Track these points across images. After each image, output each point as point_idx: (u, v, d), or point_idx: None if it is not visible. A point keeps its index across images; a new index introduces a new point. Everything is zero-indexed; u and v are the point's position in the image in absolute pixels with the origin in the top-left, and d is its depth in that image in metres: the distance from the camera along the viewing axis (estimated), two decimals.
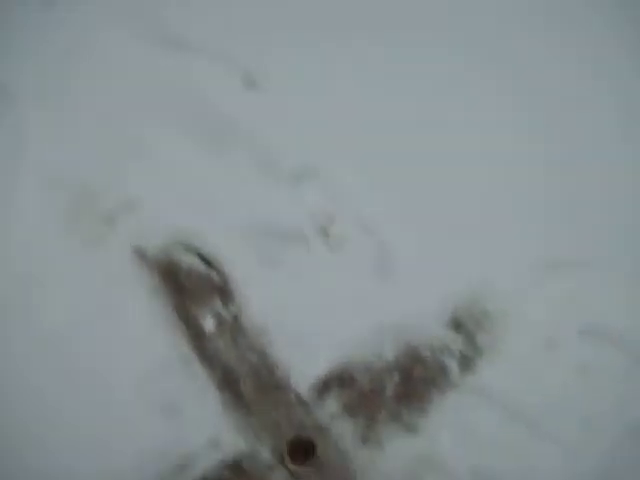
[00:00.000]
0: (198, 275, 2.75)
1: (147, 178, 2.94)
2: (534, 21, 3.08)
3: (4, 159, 2.91)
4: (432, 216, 2.92)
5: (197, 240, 2.82)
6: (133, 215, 2.86)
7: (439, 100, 3.10)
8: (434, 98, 3.10)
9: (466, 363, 2.68)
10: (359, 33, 3.20)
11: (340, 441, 2.52)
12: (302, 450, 2.41)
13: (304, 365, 2.61)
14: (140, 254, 2.77)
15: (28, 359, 2.51)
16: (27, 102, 3.04)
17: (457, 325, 2.74)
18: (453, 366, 2.68)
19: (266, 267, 2.78)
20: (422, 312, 2.75)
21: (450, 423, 2.58)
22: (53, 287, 2.68)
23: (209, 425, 2.48)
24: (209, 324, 2.68)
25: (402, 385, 2.62)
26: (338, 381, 2.60)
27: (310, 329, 2.67)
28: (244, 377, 2.57)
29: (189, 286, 2.73)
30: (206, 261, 2.77)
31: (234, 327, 2.66)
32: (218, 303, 2.71)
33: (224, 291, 2.72)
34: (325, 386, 2.59)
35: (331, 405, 2.55)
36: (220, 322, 2.67)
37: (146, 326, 2.65)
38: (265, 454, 2.46)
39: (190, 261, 2.78)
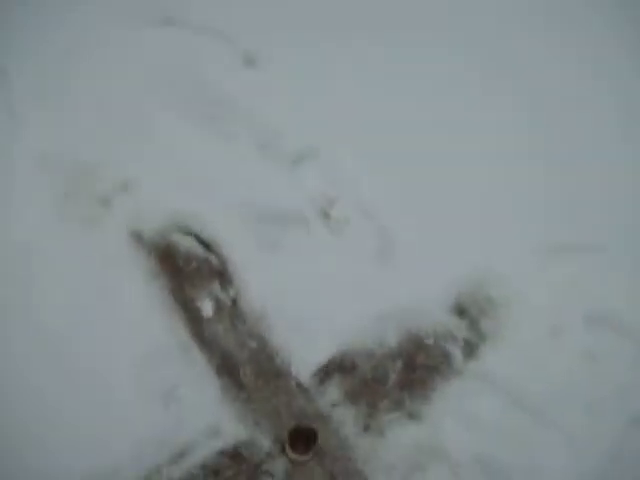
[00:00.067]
0: (196, 258, 2.69)
1: (144, 159, 2.88)
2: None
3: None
4: (434, 201, 2.89)
5: (195, 223, 2.77)
6: (130, 197, 2.81)
7: (444, 84, 3.07)
8: (439, 82, 3.05)
9: (469, 349, 2.64)
10: (361, 17, 3.19)
11: (341, 429, 2.47)
12: (303, 438, 2.37)
13: (305, 351, 2.56)
14: (137, 237, 2.72)
15: (22, 346, 2.44)
16: (22, 83, 2.97)
17: (460, 311, 2.70)
18: (456, 353, 2.64)
19: (265, 250, 2.73)
20: (424, 298, 2.71)
21: (453, 410, 2.54)
22: (47, 271, 2.62)
23: (208, 412, 2.43)
24: (207, 308, 2.62)
25: (404, 372, 2.58)
26: (339, 368, 2.55)
27: (310, 314, 2.62)
28: (243, 363, 2.52)
29: (187, 269, 2.67)
30: (204, 244, 2.73)
31: (233, 312, 2.61)
32: (216, 287, 2.65)
33: (223, 275, 2.67)
34: (326, 373, 2.54)
35: (332, 393, 2.51)
36: (219, 306, 2.62)
37: (143, 311, 2.59)
38: (265, 442, 2.41)
39: (188, 244, 2.73)
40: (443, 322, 2.67)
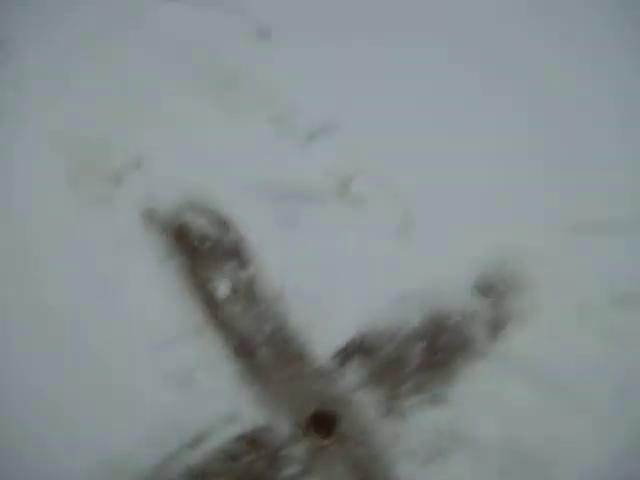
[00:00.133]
0: (211, 237, 2.57)
1: (156, 134, 2.74)
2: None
3: (4, 115, 2.72)
4: (457, 175, 2.73)
5: (209, 200, 2.63)
6: (141, 174, 2.67)
7: (468, 55, 2.89)
8: (465, 50, 2.88)
9: (494, 330, 2.51)
10: None
11: (363, 413, 2.36)
12: (324, 423, 2.28)
13: (324, 333, 2.44)
14: (149, 216, 2.59)
15: (30, 329, 2.33)
16: (28, 56, 2.83)
17: (485, 290, 2.56)
18: (481, 333, 2.51)
19: (283, 228, 2.60)
20: (447, 276, 2.57)
21: (478, 393, 2.42)
22: (56, 251, 2.50)
23: (225, 397, 2.32)
24: (223, 289, 2.50)
25: (427, 354, 2.46)
26: (360, 350, 2.43)
27: (330, 294, 2.50)
28: (261, 346, 2.41)
29: (201, 249, 2.55)
30: (219, 222, 2.59)
31: (249, 292, 2.48)
32: (232, 267, 2.53)
33: (238, 254, 2.54)
34: (346, 355, 2.42)
35: (353, 375, 2.40)
36: (235, 287, 2.49)
37: (156, 292, 2.48)
38: (284, 427, 2.31)
39: (202, 223, 2.59)
40: (467, 302, 2.53)
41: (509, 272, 2.61)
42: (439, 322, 2.50)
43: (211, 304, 2.46)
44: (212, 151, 2.74)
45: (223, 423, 2.29)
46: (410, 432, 2.35)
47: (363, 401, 2.38)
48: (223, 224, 2.59)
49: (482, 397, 2.42)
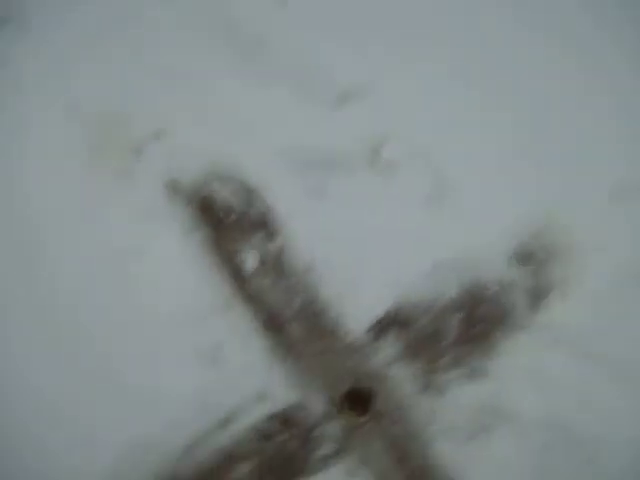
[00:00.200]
0: (237, 209, 2.44)
1: (178, 103, 2.59)
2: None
3: (20, 86, 2.58)
4: (493, 136, 2.56)
5: (235, 170, 2.49)
6: (164, 145, 2.53)
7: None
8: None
9: (535, 300, 2.36)
10: None
11: (399, 389, 2.24)
12: (358, 400, 2.17)
13: (357, 306, 2.31)
14: (172, 187, 2.46)
15: (51, 305, 2.22)
16: (45, 24, 2.68)
17: (524, 258, 2.41)
18: (521, 304, 2.36)
19: (312, 198, 2.45)
20: (485, 244, 2.42)
21: (519, 367, 2.28)
22: (77, 226, 2.38)
23: (255, 374, 2.21)
24: (251, 262, 2.37)
25: (465, 326, 2.32)
26: (395, 323, 2.30)
27: (362, 266, 2.36)
28: (291, 320, 2.28)
29: (227, 221, 2.42)
30: (245, 193, 2.45)
31: (278, 265, 2.36)
32: (260, 239, 2.40)
33: (266, 225, 2.41)
34: (381, 329, 2.29)
35: (388, 350, 2.27)
36: (263, 259, 2.36)
37: (181, 266, 2.35)
38: (318, 405, 2.19)
39: (228, 193, 2.46)
40: (505, 270, 2.39)
41: (548, 240, 2.45)
42: (476, 293, 2.35)
43: (239, 277, 2.33)
44: (236, 118, 2.59)
45: (254, 401, 2.18)
46: (449, 408, 2.23)
47: (399, 376, 2.25)
48: (249, 194, 2.46)
49: (523, 371, 2.29)
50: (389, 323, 2.30)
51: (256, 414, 2.17)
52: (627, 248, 2.45)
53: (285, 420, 2.13)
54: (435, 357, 2.28)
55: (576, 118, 2.59)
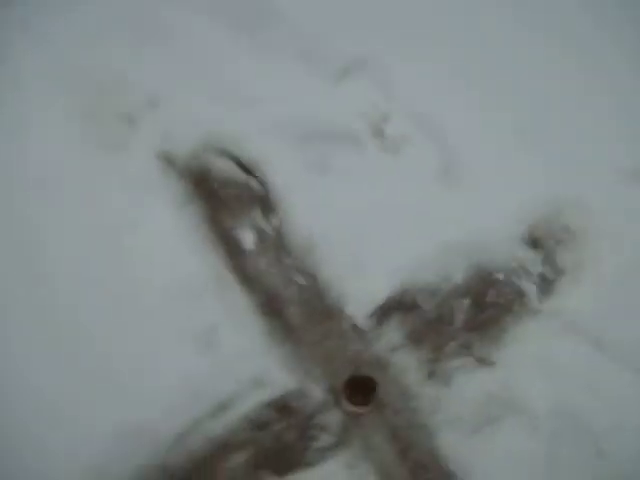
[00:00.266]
0: (234, 183, 2.27)
1: (174, 71, 2.42)
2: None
3: (11, 53, 2.41)
4: (505, 114, 2.41)
5: (233, 143, 2.32)
6: (159, 115, 2.36)
7: None
8: None
9: (546, 286, 2.22)
10: None
11: (403, 377, 2.10)
12: (360, 388, 2.02)
13: (360, 288, 2.15)
14: (167, 159, 2.29)
15: (40, 281, 2.04)
16: None
17: (535, 242, 2.27)
18: (531, 289, 2.22)
19: (313, 173, 2.29)
20: (494, 227, 2.27)
21: (529, 355, 2.14)
22: (69, 197, 2.22)
23: (251, 359, 2.05)
24: (248, 239, 2.21)
25: (473, 311, 2.18)
26: (399, 307, 2.15)
27: (365, 246, 2.20)
28: (290, 302, 2.14)
29: (224, 196, 2.25)
30: (243, 166, 2.29)
31: (277, 243, 2.20)
32: (258, 215, 2.24)
33: (265, 201, 2.25)
34: (384, 313, 2.13)
35: (392, 335, 2.12)
36: (261, 237, 2.21)
37: (175, 242, 2.19)
38: (317, 392, 2.04)
39: (225, 167, 2.29)
40: (516, 254, 2.25)
41: (562, 222, 2.30)
42: (485, 277, 2.21)
43: (235, 255, 2.18)
44: (235, 90, 2.42)
45: (249, 388, 2.02)
46: (455, 398, 2.08)
47: (403, 364, 2.11)
48: (247, 168, 2.29)
49: (532, 359, 2.15)
50: (393, 307, 2.15)
51: (252, 401, 2.01)
52: (634, 233, 2.31)
53: (282, 408, 1.99)
54: (441, 344, 2.14)
55: (587, 97, 2.46)
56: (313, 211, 2.24)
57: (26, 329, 2.08)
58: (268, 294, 2.12)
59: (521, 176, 2.32)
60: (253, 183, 2.26)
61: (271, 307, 2.11)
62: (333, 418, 2.01)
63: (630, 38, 2.50)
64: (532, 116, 2.39)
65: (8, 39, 2.45)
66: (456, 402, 2.07)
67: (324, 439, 2.01)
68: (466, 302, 2.18)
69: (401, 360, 2.10)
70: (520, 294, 2.20)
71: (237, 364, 2.02)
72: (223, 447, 1.98)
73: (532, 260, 2.26)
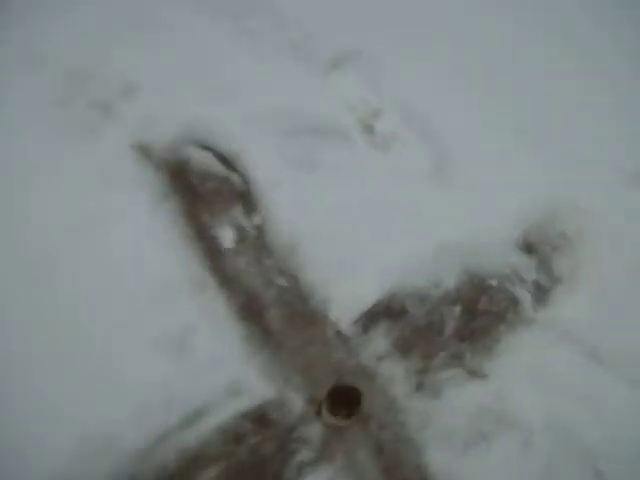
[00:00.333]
0: (214, 177, 2.12)
1: (153, 59, 2.28)
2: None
3: None
4: (500, 114, 2.30)
5: (213, 134, 2.17)
6: (135, 103, 2.20)
7: None
8: None
9: (540, 294, 2.09)
10: None
11: (389, 388, 1.93)
12: (343, 399, 1.84)
13: (345, 293, 2.00)
14: (143, 150, 2.13)
15: (6, 280, 1.85)
16: None
17: (529, 247, 2.15)
18: (525, 297, 2.09)
19: (298, 168, 2.14)
20: (487, 231, 2.14)
21: (522, 366, 2.00)
22: (37, 189, 2.04)
23: (228, 365, 1.89)
24: (227, 238, 2.06)
25: (464, 319, 2.03)
26: (387, 313, 2.00)
27: (352, 248, 2.05)
28: (271, 305, 1.98)
29: (203, 190, 2.10)
30: (224, 160, 2.13)
31: (258, 242, 2.05)
32: (238, 212, 2.09)
33: (246, 197, 2.10)
34: (371, 320, 1.98)
35: (378, 343, 1.97)
36: (241, 236, 2.05)
37: (149, 239, 2.02)
38: (298, 403, 1.88)
39: (204, 160, 2.14)
40: (509, 260, 2.12)
41: (557, 227, 2.18)
42: (478, 283, 2.08)
43: (213, 254, 2.03)
44: (217, 78, 2.28)
45: (225, 397, 1.85)
46: (445, 411, 1.93)
47: (390, 374, 1.95)
48: (228, 161, 2.14)
49: (527, 371, 2.01)
50: (380, 313, 2.00)
51: (227, 411, 1.85)
52: (633, 236, 2.20)
53: (260, 420, 1.84)
54: (430, 353, 1.99)
55: (588, 102, 2.38)
56: (297, 209, 2.09)
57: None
58: (247, 296, 1.96)
59: (518, 176, 2.21)
60: (234, 178, 2.10)
61: (250, 310, 1.96)
62: (314, 431, 1.86)
63: (630, 38, 2.42)
64: (531, 116, 2.30)
65: None
66: (446, 416, 1.92)
67: (304, 454, 1.84)
68: (457, 309, 2.04)
69: (388, 370, 1.95)
70: (514, 302, 2.07)
71: (212, 371, 1.86)
72: (195, 460, 1.81)
73: (526, 266, 2.14)
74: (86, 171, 2.11)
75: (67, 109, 2.19)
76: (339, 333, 1.95)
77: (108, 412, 1.82)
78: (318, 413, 1.85)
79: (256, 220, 2.08)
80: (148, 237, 2.03)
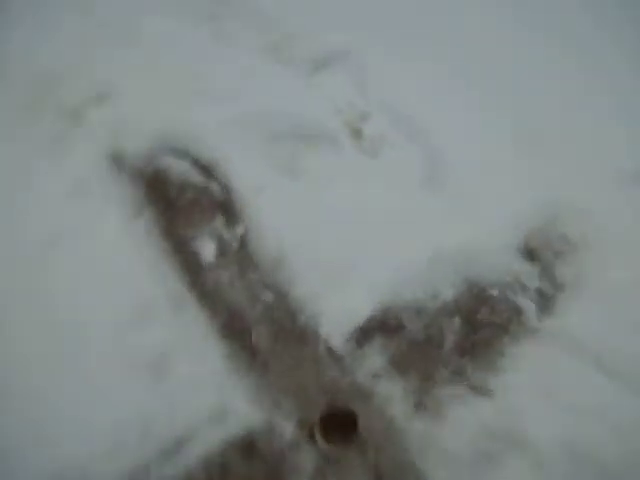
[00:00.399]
0: (193, 187, 2.00)
1: (127, 64, 2.18)
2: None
3: None
4: (497, 116, 2.19)
5: (191, 142, 2.04)
6: (108, 109, 2.10)
7: None
8: None
9: (544, 303, 1.94)
10: None
11: (387, 409, 1.77)
12: (338, 423, 1.69)
13: (336, 307, 1.85)
14: (117, 159, 2.01)
15: None
16: None
17: (531, 254, 2.01)
18: (528, 307, 1.94)
19: (283, 175, 2.02)
20: (486, 237, 2.00)
21: (528, 381, 1.84)
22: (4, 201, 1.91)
23: (209, 390, 1.73)
24: (208, 251, 1.92)
25: (464, 332, 1.89)
26: (382, 328, 1.85)
27: (342, 259, 1.91)
28: (256, 323, 1.83)
29: (181, 201, 1.98)
30: (203, 169, 2.00)
31: (241, 255, 1.92)
32: (220, 223, 1.96)
33: (227, 207, 1.97)
34: (365, 335, 1.84)
35: (374, 361, 1.82)
36: (223, 248, 1.92)
37: (125, 254, 1.88)
38: (288, 428, 1.72)
39: (182, 169, 2.01)
40: (510, 267, 1.99)
41: (559, 232, 2.07)
42: (478, 293, 1.94)
43: (193, 269, 1.88)
44: (195, 83, 2.17)
45: (208, 424, 1.69)
46: (447, 433, 1.76)
47: (387, 394, 1.79)
48: (208, 171, 2.01)
49: (533, 385, 1.84)
50: (375, 328, 1.85)
51: (211, 440, 1.68)
52: (635, 238, 2.07)
53: (247, 448, 1.67)
54: (430, 370, 1.83)
55: (588, 102, 2.29)
56: (283, 217, 1.97)
57: None
58: (231, 313, 1.83)
59: (517, 178, 2.11)
60: (214, 187, 1.95)
61: (234, 328, 1.82)
62: (306, 459, 1.69)
63: (630, 38, 2.36)
64: (531, 117, 2.21)
65: None
66: (449, 437, 1.75)
67: None
68: (457, 322, 1.90)
69: (385, 389, 1.79)
70: (517, 312, 1.95)
71: (193, 396, 1.71)
72: None
73: (529, 273, 2.01)
74: (55, 183, 1.97)
75: (34, 117, 2.05)
76: (331, 351, 1.81)
77: (84, 444, 1.65)
78: (310, 439, 1.68)
79: (239, 230, 1.94)
80: (122, 252, 1.88)
